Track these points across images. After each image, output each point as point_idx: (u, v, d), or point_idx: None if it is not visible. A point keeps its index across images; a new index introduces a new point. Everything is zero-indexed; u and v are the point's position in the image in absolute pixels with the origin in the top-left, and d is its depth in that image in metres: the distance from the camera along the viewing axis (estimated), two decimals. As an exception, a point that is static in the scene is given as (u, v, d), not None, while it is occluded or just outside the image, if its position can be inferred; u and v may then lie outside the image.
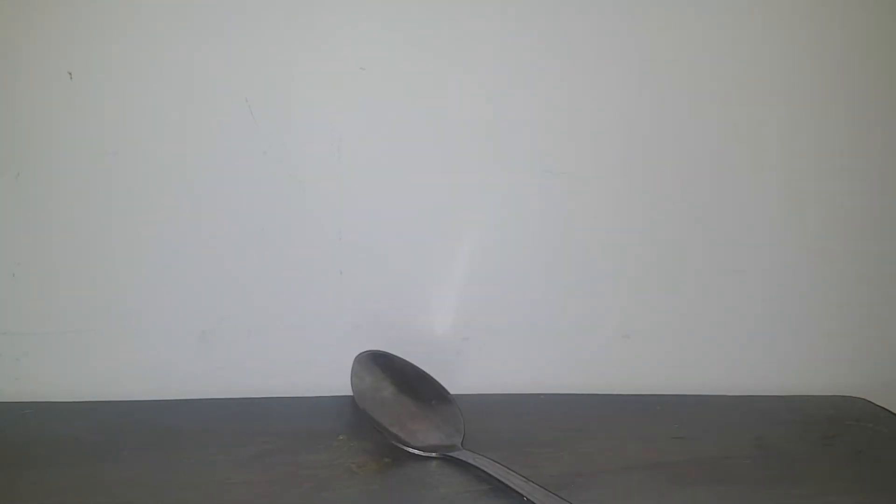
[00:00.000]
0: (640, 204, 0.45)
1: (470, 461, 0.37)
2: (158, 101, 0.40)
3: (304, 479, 0.36)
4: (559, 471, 0.37)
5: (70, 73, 0.39)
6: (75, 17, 0.39)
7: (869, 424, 0.45)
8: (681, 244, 0.46)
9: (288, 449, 0.38)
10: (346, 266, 0.43)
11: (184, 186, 0.42)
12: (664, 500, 0.36)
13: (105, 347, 0.43)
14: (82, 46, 0.39)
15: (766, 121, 0.45)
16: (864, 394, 0.48)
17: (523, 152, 0.44)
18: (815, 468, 0.40)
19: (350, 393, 0.42)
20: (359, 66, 0.41)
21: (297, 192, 0.42)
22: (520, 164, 0.44)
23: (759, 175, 0.46)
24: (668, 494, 0.37)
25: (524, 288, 0.45)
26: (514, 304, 0.45)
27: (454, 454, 0.38)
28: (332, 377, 0.42)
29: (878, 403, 0.47)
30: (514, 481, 0.35)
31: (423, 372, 0.43)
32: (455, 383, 0.43)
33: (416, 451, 0.38)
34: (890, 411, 0.46)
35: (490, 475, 0.36)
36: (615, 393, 0.46)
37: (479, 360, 0.46)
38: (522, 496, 0.35)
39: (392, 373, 0.43)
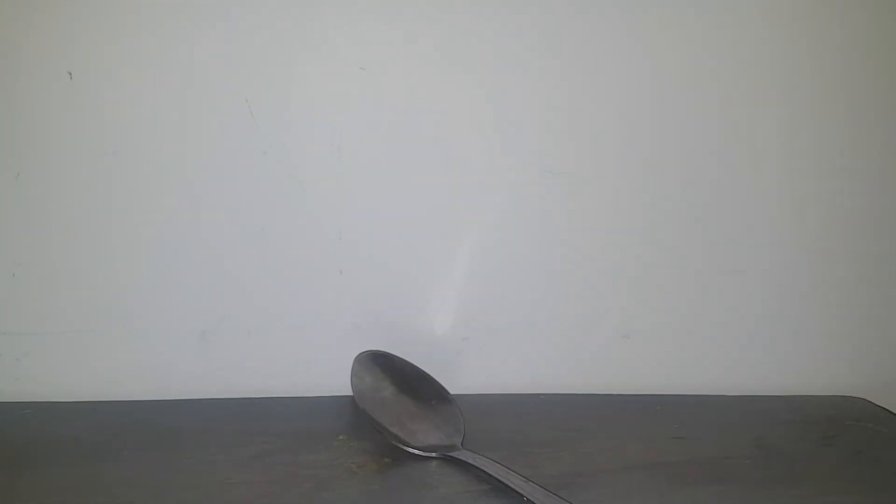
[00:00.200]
0: (640, 204, 0.45)
1: (470, 461, 0.37)
2: (158, 101, 0.40)
3: (304, 479, 0.36)
4: (559, 471, 0.37)
5: (70, 73, 0.39)
6: (75, 17, 0.39)
7: (869, 424, 0.45)
8: (681, 244, 0.46)
9: (288, 449, 0.38)
10: (346, 266, 0.43)
11: (184, 186, 0.42)
12: (664, 500, 0.36)
13: (105, 347, 0.43)
14: (82, 46, 0.39)
15: (766, 121, 0.45)
16: (864, 394, 0.48)
17: (523, 152, 0.44)
18: (815, 468, 0.40)
19: (350, 393, 0.42)
20: (359, 66, 0.41)
21: (297, 192, 0.42)
22: (520, 164, 0.44)
23: (760, 175, 0.46)
24: (668, 494, 0.37)
25: (524, 288, 0.45)
26: (514, 304, 0.45)
27: (454, 454, 0.38)
28: (332, 377, 0.42)
29: (878, 403, 0.47)
30: (514, 481, 0.35)
31: (423, 372, 0.43)
32: (455, 383, 0.43)
33: (416, 451, 0.38)
34: (890, 411, 0.46)
35: (490, 475, 0.36)
36: (615, 393, 0.46)
37: (479, 360, 0.46)
38: (522, 496, 0.35)
39: (392, 373, 0.43)
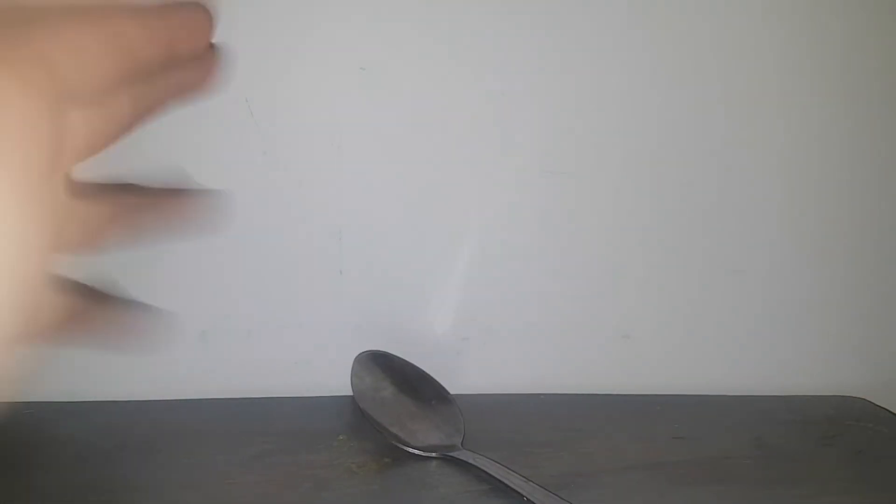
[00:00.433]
0: (640, 204, 0.45)
1: (470, 461, 0.37)
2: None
3: (304, 479, 0.36)
4: (559, 471, 0.38)
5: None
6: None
7: (869, 424, 0.45)
8: (681, 244, 0.46)
9: (288, 449, 0.38)
10: (346, 266, 0.43)
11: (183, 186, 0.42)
12: (664, 500, 0.36)
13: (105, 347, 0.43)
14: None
15: (767, 121, 0.45)
16: (864, 394, 0.48)
17: (523, 152, 0.43)
18: (815, 468, 0.40)
19: (350, 393, 0.42)
20: (359, 66, 0.41)
21: (297, 191, 0.42)
22: (520, 164, 0.44)
23: (760, 175, 0.46)
24: (668, 494, 0.37)
25: (524, 288, 0.45)
26: (514, 304, 0.45)
27: (454, 454, 0.38)
28: (332, 377, 0.42)
29: (878, 403, 0.47)
30: (514, 481, 0.35)
31: (423, 372, 0.43)
32: (455, 383, 0.43)
33: (416, 451, 0.38)
34: (890, 411, 0.46)
35: (490, 475, 0.36)
36: (615, 393, 0.46)
37: (479, 360, 0.46)
38: (522, 496, 0.35)
39: (392, 373, 0.43)
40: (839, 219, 0.47)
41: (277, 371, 0.44)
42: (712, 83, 0.44)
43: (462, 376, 0.44)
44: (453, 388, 0.43)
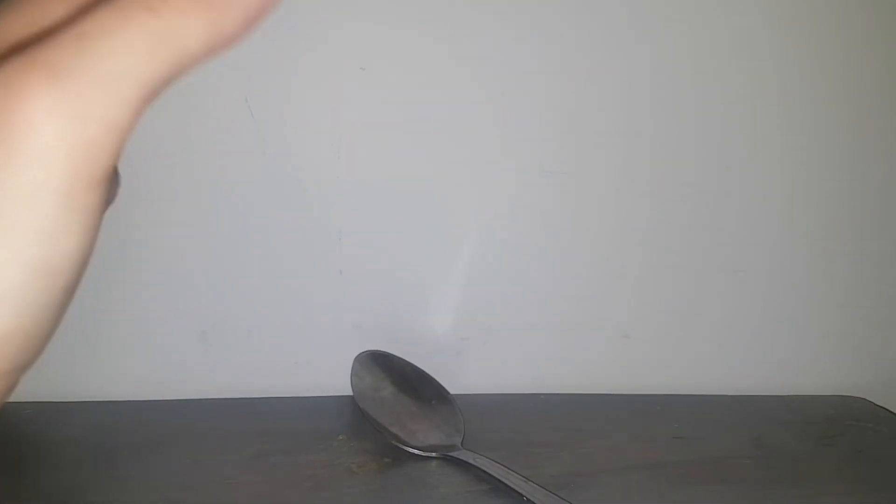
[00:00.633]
0: (640, 204, 0.45)
1: (470, 461, 0.37)
2: (158, 100, 0.40)
3: (304, 479, 0.36)
4: (559, 471, 0.38)
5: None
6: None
7: (869, 424, 0.45)
8: (681, 244, 0.46)
9: (288, 449, 0.38)
10: (346, 266, 0.43)
11: (184, 186, 0.42)
12: (664, 500, 0.36)
13: (105, 347, 0.43)
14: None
15: (768, 121, 0.45)
16: (864, 394, 0.48)
17: (523, 152, 0.43)
18: (815, 468, 0.40)
19: (350, 393, 0.42)
20: (359, 66, 0.41)
21: (297, 192, 0.42)
22: (520, 164, 0.44)
23: (760, 175, 0.46)
24: (668, 494, 0.37)
25: (524, 288, 0.45)
26: (514, 304, 0.45)
27: (454, 454, 0.38)
28: (332, 377, 0.42)
29: (878, 403, 0.47)
30: (514, 481, 0.35)
31: (423, 372, 0.43)
32: (455, 383, 0.43)
33: (416, 451, 0.38)
34: (890, 411, 0.46)
35: (490, 475, 0.36)
36: (615, 393, 0.46)
37: (479, 360, 0.46)
38: (522, 496, 0.35)
39: (392, 373, 0.43)
40: (839, 219, 0.47)
41: (277, 371, 0.44)
42: (712, 83, 0.44)
43: (462, 376, 0.44)
44: (453, 388, 0.43)
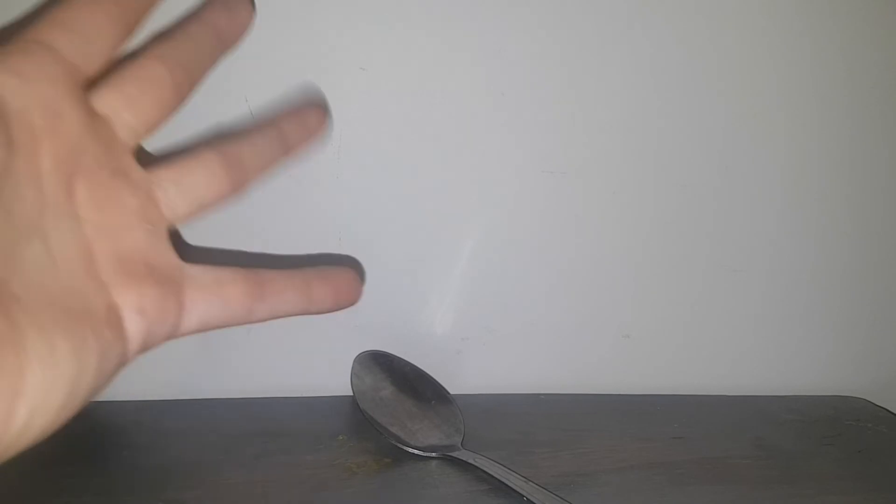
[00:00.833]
0: (640, 204, 0.45)
1: (470, 461, 0.37)
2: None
3: (304, 479, 0.36)
4: (559, 471, 0.38)
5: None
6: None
7: (869, 424, 0.45)
8: (681, 244, 0.46)
9: (288, 449, 0.38)
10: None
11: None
12: (664, 500, 0.36)
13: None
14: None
15: (768, 120, 0.45)
16: (864, 394, 0.48)
17: (523, 152, 0.43)
18: (815, 468, 0.40)
19: (350, 393, 0.42)
20: (359, 66, 0.41)
21: (297, 192, 0.42)
22: (520, 164, 0.44)
23: (760, 175, 0.46)
24: (668, 494, 0.37)
25: (524, 288, 0.45)
26: (514, 304, 0.45)
27: (454, 454, 0.38)
28: (332, 377, 0.42)
29: (878, 403, 0.47)
30: (514, 481, 0.35)
31: (423, 372, 0.43)
32: (455, 383, 0.43)
33: (416, 451, 0.38)
34: (890, 411, 0.47)
35: (490, 475, 0.36)
36: (615, 393, 0.46)
37: (479, 360, 0.46)
38: (522, 496, 0.35)
39: (392, 373, 0.43)
40: (839, 219, 0.47)
41: (277, 371, 0.44)
42: (713, 83, 0.44)
43: (462, 376, 0.44)
44: (453, 388, 0.43)
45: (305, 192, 0.42)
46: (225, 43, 0.27)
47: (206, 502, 0.34)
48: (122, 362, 0.22)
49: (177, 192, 0.24)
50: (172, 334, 0.24)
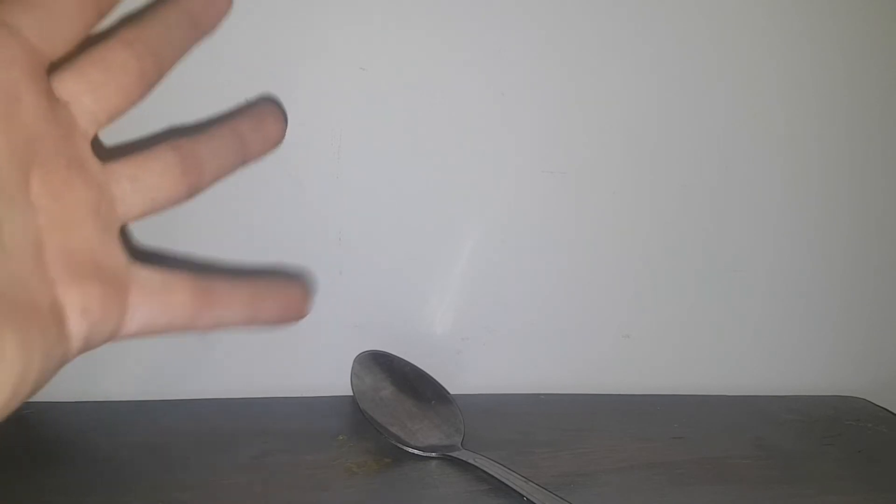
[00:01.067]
0: (640, 204, 0.45)
1: (470, 461, 0.37)
2: (157, 100, 0.40)
3: (304, 479, 0.36)
4: (559, 471, 0.38)
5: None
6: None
7: (869, 424, 0.45)
8: (681, 244, 0.46)
9: (288, 449, 0.38)
10: (345, 266, 0.43)
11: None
12: (664, 500, 0.36)
13: (105, 347, 0.43)
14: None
15: (769, 120, 0.45)
16: (864, 394, 0.48)
17: (523, 152, 0.44)
18: (815, 468, 0.40)
19: (350, 393, 0.42)
20: (359, 66, 0.41)
21: (297, 192, 0.42)
22: (520, 164, 0.44)
23: (760, 175, 0.46)
24: (668, 494, 0.37)
25: (524, 288, 0.45)
26: (514, 303, 0.45)
27: (454, 454, 0.38)
28: (332, 377, 0.42)
29: (878, 403, 0.47)
30: (514, 481, 0.35)
31: (423, 372, 0.43)
32: (455, 383, 0.43)
33: (416, 451, 0.38)
34: (890, 411, 0.47)
35: (490, 475, 0.36)
36: (615, 393, 0.46)
37: (479, 360, 0.46)
38: (522, 496, 0.35)
39: (392, 373, 0.43)
40: (839, 219, 0.47)
41: (277, 371, 0.44)
42: (713, 83, 0.44)
43: (462, 376, 0.44)
44: (453, 388, 0.43)
45: (305, 191, 0.42)
46: (200, 30, 0.26)
47: (206, 502, 0.34)
48: (63, 362, 0.21)
49: (132, 188, 0.23)
50: (113, 337, 0.22)
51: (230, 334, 0.43)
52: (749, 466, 0.39)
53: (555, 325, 0.46)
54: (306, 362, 0.44)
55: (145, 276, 0.23)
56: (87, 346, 0.22)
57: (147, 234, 0.42)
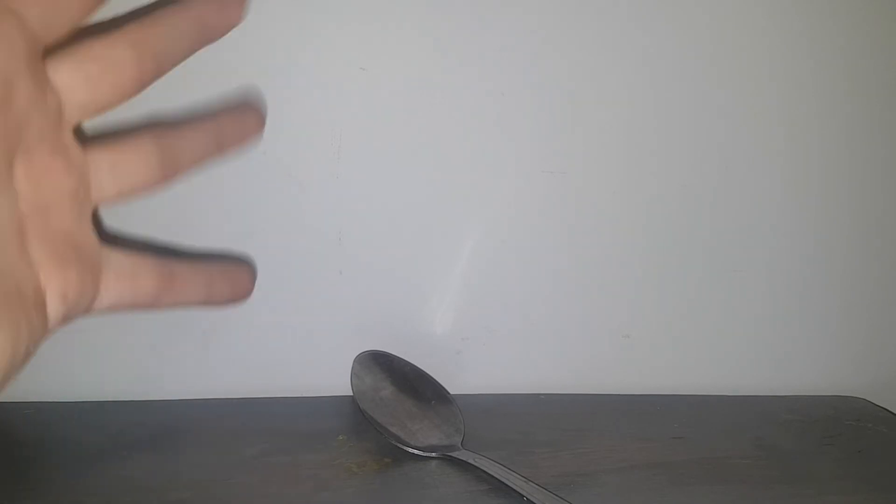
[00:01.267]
0: (640, 204, 0.45)
1: (470, 461, 0.37)
2: (157, 101, 0.40)
3: (304, 479, 0.36)
4: (559, 471, 0.38)
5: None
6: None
7: (869, 424, 0.45)
8: (681, 244, 0.46)
9: (288, 449, 0.38)
10: (345, 266, 0.43)
11: (183, 186, 0.41)
12: (664, 500, 0.36)
13: (105, 347, 0.43)
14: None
15: (769, 120, 0.45)
16: (864, 394, 0.48)
17: (523, 152, 0.44)
18: (815, 468, 0.40)
19: (350, 393, 0.42)
20: (359, 66, 0.41)
21: (297, 192, 0.42)
22: (520, 164, 0.44)
23: (760, 175, 0.46)
24: (668, 494, 0.37)
25: (524, 288, 0.45)
26: (514, 304, 0.45)
27: (454, 454, 0.38)
28: (332, 377, 0.42)
29: (878, 403, 0.47)
30: (514, 481, 0.35)
31: (423, 372, 0.43)
32: (455, 383, 0.43)
33: (416, 451, 0.38)
34: (890, 411, 0.47)
35: (490, 475, 0.36)
36: (615, 393, 0.46)
37: (479, 360, 0.46)
38: (522, 496, 0.35)
39: (392, 373, 0.43)
40: (839, 219, 0.47)
41: (277, 371, 0.44)
42: (712, 83, 0.44)
43: (462, 376, 0.44)
44: (453, 388, 0.43)
45: (305, 191, 0.42)
46: (207, 38, 0.26)
47: (206, 502, 0.34)
48: (38, 347, 0.21)
49: (109, 175, 0.23)
50: (81, 316, 0.23)
51: (230, 334, 0.43)
52: (749, 466, 0.39)
53: (555, 325, 0.46)
54: (306, 362, 0.44)
55: (116, 259, 0.24)
56: (60, 327, 0.22)
57: (145, 233, 0.42)
